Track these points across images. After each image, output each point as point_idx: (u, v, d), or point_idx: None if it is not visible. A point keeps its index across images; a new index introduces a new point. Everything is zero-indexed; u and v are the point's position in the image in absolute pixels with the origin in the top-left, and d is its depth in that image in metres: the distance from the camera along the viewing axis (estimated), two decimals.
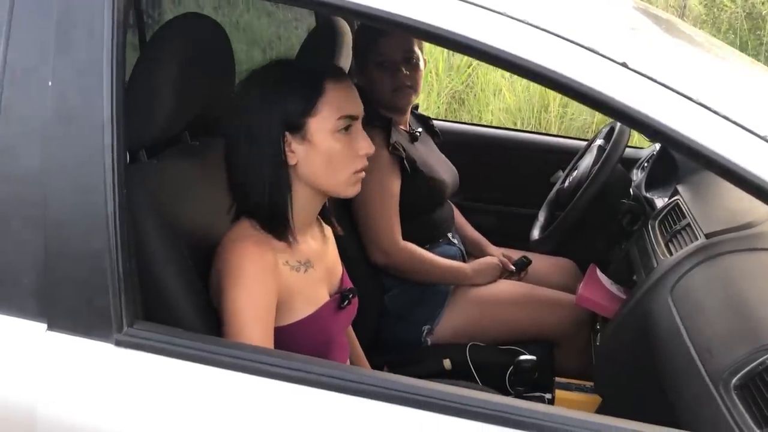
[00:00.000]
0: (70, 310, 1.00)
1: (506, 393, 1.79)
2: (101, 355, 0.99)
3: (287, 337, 1.25)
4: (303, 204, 1.29)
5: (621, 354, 1.52)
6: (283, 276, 1.25)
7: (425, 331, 1.93)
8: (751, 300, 1.22)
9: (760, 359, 1.05)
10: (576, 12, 1.05)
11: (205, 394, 1.00)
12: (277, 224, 1.26)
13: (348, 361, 1.46)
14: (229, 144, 1.27)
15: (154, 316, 1.14)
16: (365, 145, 1.27)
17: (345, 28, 1.98)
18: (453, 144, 2.23)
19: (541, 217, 2.05)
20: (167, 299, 1.24)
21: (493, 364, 1.85)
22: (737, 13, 6.54)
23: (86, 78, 0.98)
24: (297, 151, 1.24)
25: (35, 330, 1.01)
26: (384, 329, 1.95)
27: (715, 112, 0.83)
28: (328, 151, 1.24)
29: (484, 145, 2.59)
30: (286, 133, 1.23)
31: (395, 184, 1.90)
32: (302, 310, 1.29)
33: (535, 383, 1.82)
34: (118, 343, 0.99)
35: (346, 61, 2.01)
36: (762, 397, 1.01)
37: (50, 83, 0.98)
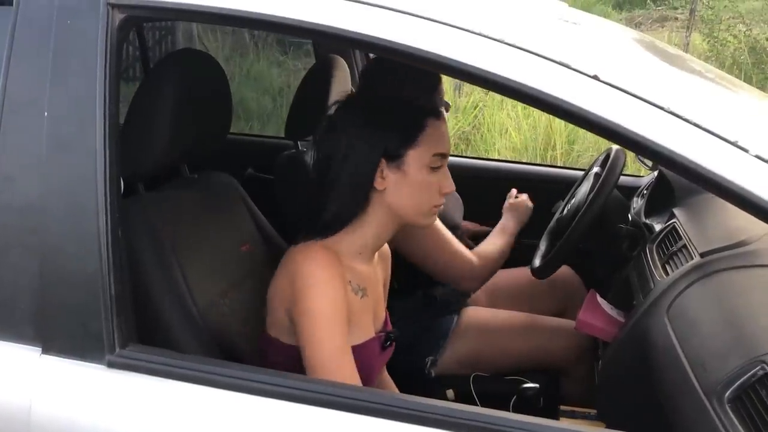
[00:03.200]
0: (64, 333, 1.02)
1: None
2: (94, 377, 1.01)
3: None
4: (378, 228, 1.33)
5: (621, 377, 1.51)
6: (347, 292, 1.27)
7: (429, 363, 1.93)
8: (744, 315, 1.21)
9: (752, 371, 1.05)
10: (558, 35, 1.09)
11: (197, 414, 1.01)
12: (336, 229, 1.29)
13: None
14: (321, 160, 1.30)
15: (153, 343, 1.16)
16: (449, 183, 1.35)
17: (342, 65, 2.04)
18: (455, 177, 2.26)
19: (542, 245, 2.06)
20: (165, 327, 1.26)
21: (496, 394, 1.84)
22: (741, 48, 6.61)
23: (80, 108, 1.02)
24: (388, 178, 1.29)
25: (30, 355, 1.03)
26: (388, 361, 1.95)
27: (686, 120, 0.85)
28: (417, 183, 1.30)
29: (486, 178, 2.62)
30: (382, 160, 1.28)
31: None
32: (354, 336, 1.30)
33: (539, 412, 1.80)
34: (111, 365, 1.00)
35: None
36: (755, 408, 1.00)
37: (46, 114, 1.02)
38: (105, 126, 1.01)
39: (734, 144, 0.83)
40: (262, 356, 1.34)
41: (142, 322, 1.15)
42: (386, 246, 1.50)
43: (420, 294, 1.98)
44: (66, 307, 1.02)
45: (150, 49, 2.76)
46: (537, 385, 1.77)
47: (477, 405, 1.83)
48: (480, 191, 2.46)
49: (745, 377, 1.05)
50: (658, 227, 1.83)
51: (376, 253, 1.41)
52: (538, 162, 4.68)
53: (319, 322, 1.19)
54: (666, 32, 8.58)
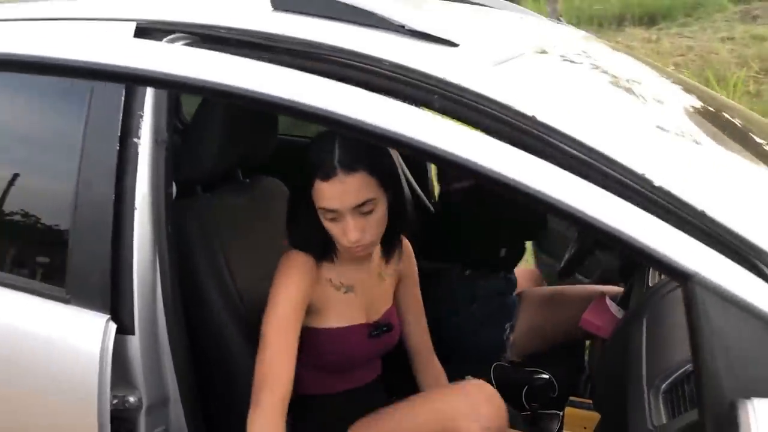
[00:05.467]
0: None
1: (523, 410, 1.96)
2: None
3: (314, 340, 1.47)
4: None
5: (609, 372, 1.65)
6: (321, 286, 1.47)
7: (508, 329, 2.16)
8: None
9: (685, 367, 1.18)
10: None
11: None
12: (326, 252, 1.48)
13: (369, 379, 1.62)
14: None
15: (202, 328, 1.41)
16: (349, 236, 1.35)
17: None
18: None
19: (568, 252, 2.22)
20: (211, 316, 1.51)
21: (512, 383, 2.02)
22: None
23: None
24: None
25: None
26: (467, 340, 2.14)
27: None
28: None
29: None
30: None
31: None
32: (333, 320, 1.50)
33: (552, 401, 1.98)
34: None
35: None
36: (676, 398, 1.15)
37: None
38: None
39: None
40: None
41: (197, 314, 1.39)
42: (407, 244, 1.65)
43: (502, 275, 2.23)
44: None
45: None
46: (547, 376, 1.94)
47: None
48: None
49: (679, 372, 1.19)
50: None
51: (378, 254, 1.57)
52: None
53: (271, 309, 1.41)
54: None
